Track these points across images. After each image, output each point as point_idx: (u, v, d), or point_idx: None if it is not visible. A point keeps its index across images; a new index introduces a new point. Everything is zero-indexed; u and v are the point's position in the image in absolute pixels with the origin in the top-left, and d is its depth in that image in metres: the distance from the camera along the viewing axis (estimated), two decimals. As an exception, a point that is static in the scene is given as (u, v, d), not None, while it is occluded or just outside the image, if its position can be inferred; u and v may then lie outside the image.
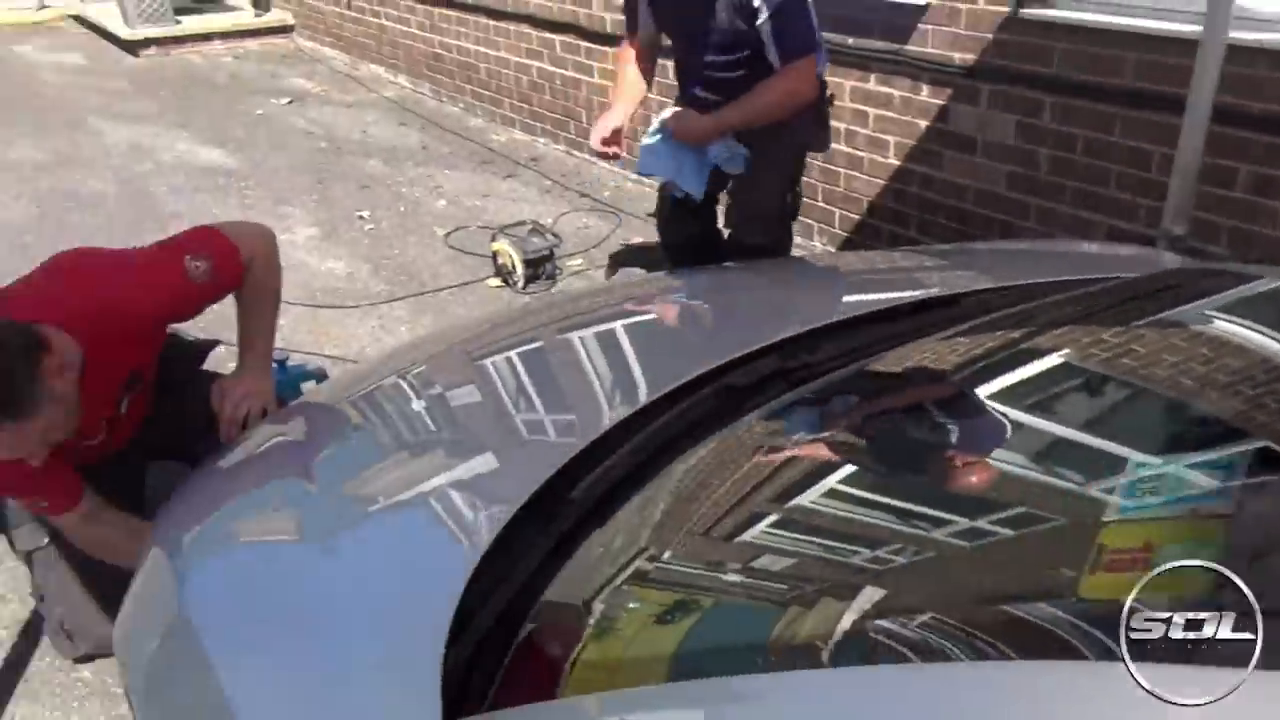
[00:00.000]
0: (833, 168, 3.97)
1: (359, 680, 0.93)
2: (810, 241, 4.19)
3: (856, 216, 3.99)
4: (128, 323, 1.85)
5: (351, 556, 1.12)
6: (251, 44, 8.19)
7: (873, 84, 3.69)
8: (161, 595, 1.18)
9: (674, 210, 3.17)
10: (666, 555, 1.09)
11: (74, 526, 1.91)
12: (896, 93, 3.61)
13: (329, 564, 1.10)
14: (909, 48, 3.50)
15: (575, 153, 5.46)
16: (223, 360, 2.56)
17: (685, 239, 3.23)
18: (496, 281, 3.93)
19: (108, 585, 2.06)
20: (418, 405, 1.48)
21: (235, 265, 2.02)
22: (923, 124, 3.57)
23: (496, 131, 5.94)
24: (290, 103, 6.63)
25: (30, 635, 2.20)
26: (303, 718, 0.94)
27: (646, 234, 4.36)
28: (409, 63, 6.82)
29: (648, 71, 3.09)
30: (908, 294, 1.81)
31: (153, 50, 7.83)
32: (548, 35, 5.31)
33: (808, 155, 3.09)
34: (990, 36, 3.24)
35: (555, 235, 3.97)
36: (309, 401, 1.87)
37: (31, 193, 4.95)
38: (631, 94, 3.07)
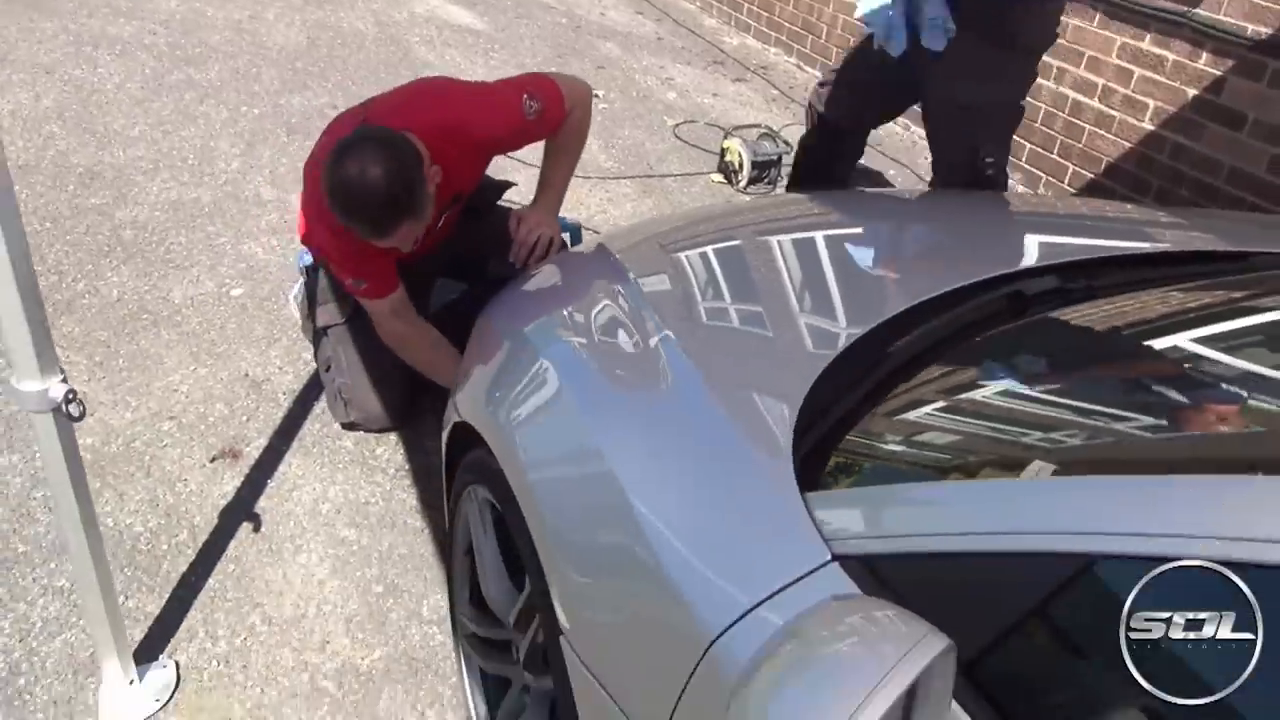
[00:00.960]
0: (1078, 122, 3.89)
1: (716, 451, 1.11)
2: (1035, 191, 4.13)
3: (1091, 175, 3.91)
4: (467, 143, 2.09)
5: (696, 354, 1.29)
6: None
7: (1146, 44, 3.57)
8: (524, 366, 1.39)
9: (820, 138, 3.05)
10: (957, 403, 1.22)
11: (382, 312, 2.19)
12: (1171, 56, 3.49)
13: (677, 357, 1.28)
14: (1199, 12, 3.36)
15: (806, 68, 5.46)
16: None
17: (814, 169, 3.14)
18: (719, 177, 4.05)
19: (385, 369, 2.36)
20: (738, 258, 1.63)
21: (560, 111, 2.24)
22: (1191, 92, 3.45)
23: (730, 35, 5.99)
24: (536, -25, 6.81)
25: (304, 404, 2.53)
26: (664, 464, 1.13)
27: (868, 156, 4.39)
28: (654, -47, 6.87)
29: None
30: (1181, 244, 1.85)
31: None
32: (805, -55, 5.29)
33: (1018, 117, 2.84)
34: (1292, 11, 3.10)
35: (786, 143, 4.04)
36: (603, 244, 2.06)
37: (301, 22, 5.32)
38: None
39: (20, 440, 2.29)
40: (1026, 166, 4.15)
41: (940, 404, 1.19)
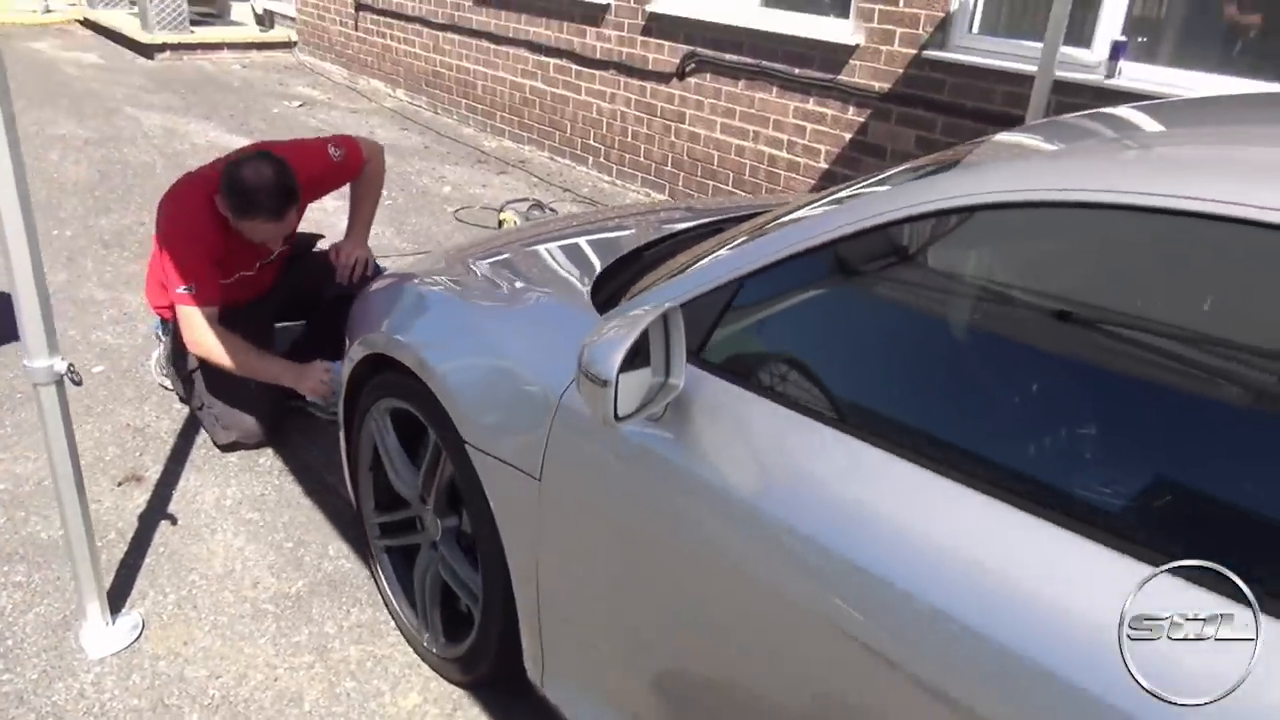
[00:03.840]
0: (775, 170, 4.96)
1: (548, 317, 1.83)
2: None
3: (794, 213, 4.97)
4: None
5: (525, 286, 2.02)
6: (257, 55, 9.01)
7: (811, 105, 4.71)
8: (418, 306, 2.06)
9: None
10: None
11: (199, 317, 2.68)
12: (829, 112, 4.63)
13: (512, 288, 1.99)
14: (841, 78, 4.52)
15: (558, 159, 6.39)
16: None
17: None
18: (501, 246, 4.81)
19: (252, 391, 2.90)
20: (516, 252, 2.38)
21: (359, 159, 3.01)
22: (848, 136, 4.58)
23: (488, 139, 6.86)
24: (301, 105, 7.47)
25: (186, 438, 2.99)
26: (517, 327, 1.83)
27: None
28: (409, 78, 7.72)
29: None
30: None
31: (167, 54, 8.60)
32: (543, 59, 6.27)
33: None
34: (901, 71, 4.28)
35: (553, 210, 4.88)
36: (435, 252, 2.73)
37: (88, 160, 5.71)
38: None
39: (-61, 492, 2.64)
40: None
41: (667, 270, 1.96)
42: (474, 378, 1.83)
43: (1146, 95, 3.54)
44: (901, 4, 4.22)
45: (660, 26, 5.38)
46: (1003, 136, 1.82)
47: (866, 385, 1.42)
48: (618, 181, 5.98)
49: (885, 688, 1.18)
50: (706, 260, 1.65)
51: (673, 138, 5.51)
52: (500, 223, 4.81)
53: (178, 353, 2.97)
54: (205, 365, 2.90)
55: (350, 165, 3.01)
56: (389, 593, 2.28)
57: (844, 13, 4.53)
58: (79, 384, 1.96)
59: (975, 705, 1.06)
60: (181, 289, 2.68)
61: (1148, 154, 1.40)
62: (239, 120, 6.89)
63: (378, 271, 3.16)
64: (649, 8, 5.38)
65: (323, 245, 3.36)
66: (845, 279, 1.53)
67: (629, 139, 5.80)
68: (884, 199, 1.40)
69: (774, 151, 4.95)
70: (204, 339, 2.73)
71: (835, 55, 4.54)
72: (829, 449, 1.31)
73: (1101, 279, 1.28)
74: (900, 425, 1.33)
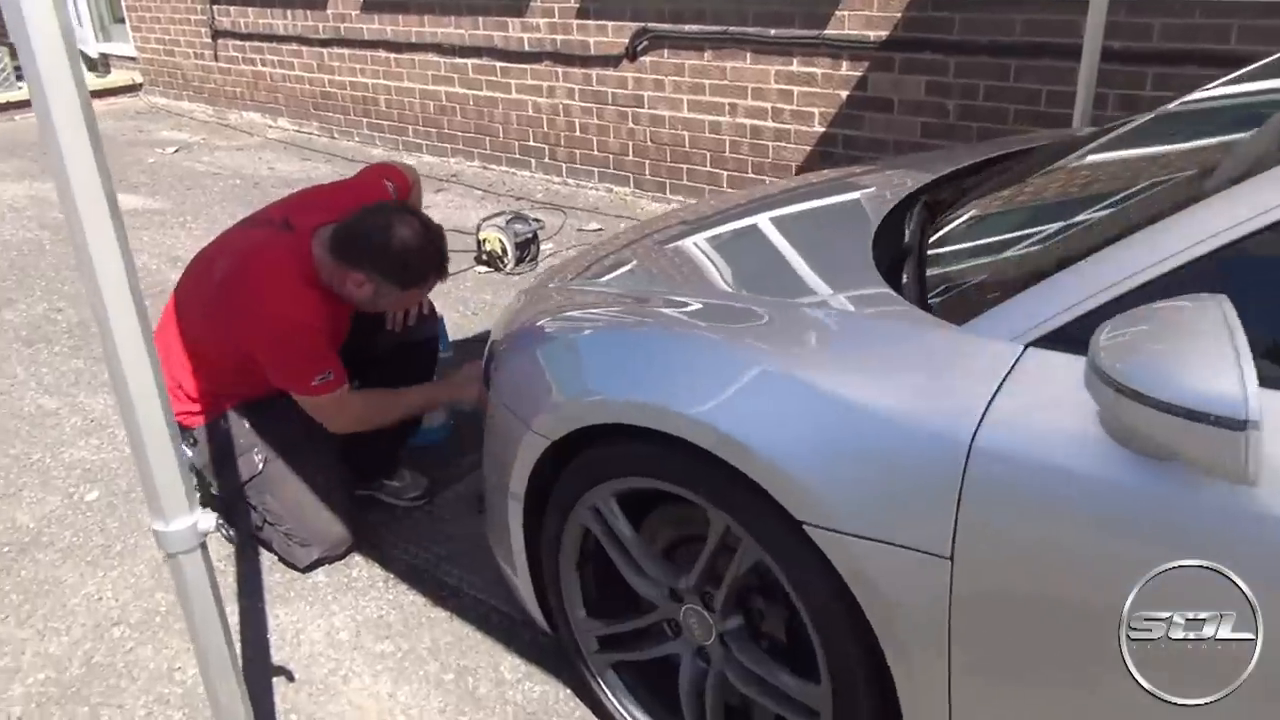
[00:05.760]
0: (760, 142, 4.61)
1: (884, 338, 1.42)
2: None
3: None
4: None
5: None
6: (100, 105, 8.01)
7: (795, 66, 4.37)
8: (652, 351, 1.59)
9: None
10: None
11: (343, 397, 2.25)
12: (819, 71, 4.30)
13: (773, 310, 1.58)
14: (828, 32, 4.20)
15: (493, 166, 5.86)
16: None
17: None
18: (484, 268, 4.28)
19: (325, 487, 2.35)
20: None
21: (406, 187, 2.58)
22: (843, 94, 4.27)
23: (405, 157, 6.25)
24: (177, 151, 6.64)
25: (250, 564, 2.40)
26: (827, 341, 1.41)
27: (599, 220, 4.85)
28: (292, 105, 6.99)
29: None
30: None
31: (-4, 116, 7.56)
32: (458, 60, 5.72)
33: None
34: (899, 15, 3.99)
35: (538, 219, 4.38)
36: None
37: (-46, 247, 4.83)
38: None
39: (-38, 703, 2.00)
40: (729, 191, 4.82)
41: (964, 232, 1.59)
42: (800, 435, 1.38)
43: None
44: (892, -57, 3.93)
45: (598, 7, 4.93)
46: None
47: None
48: (570, 181, 5.51)
49: None
50: (1152, 229, 1.24)
51: (631, 124, 5.08)
52: (480, 243, 4.28)
53: (220, 460, 2.37)
54: (261, 476, 2.32)
55: (400, 194, 2.54)
56: (629, 717, 1.81)
57: (819, -38, 4.20)
58: (234, 541, 1.41)
59: None
60: (317, 380, 2.20)
61: None
62: (117, 176, 5.92)
63: (433, 312, 2.67)
64: (583, -13, 4.93)
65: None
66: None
67: (578, 133, 5.34)
68: None
69: (757, 122, 4.60)
70: (361, 413, 2.34)
71: (817, 8, 4.21)
72: None
73: None
74: None
